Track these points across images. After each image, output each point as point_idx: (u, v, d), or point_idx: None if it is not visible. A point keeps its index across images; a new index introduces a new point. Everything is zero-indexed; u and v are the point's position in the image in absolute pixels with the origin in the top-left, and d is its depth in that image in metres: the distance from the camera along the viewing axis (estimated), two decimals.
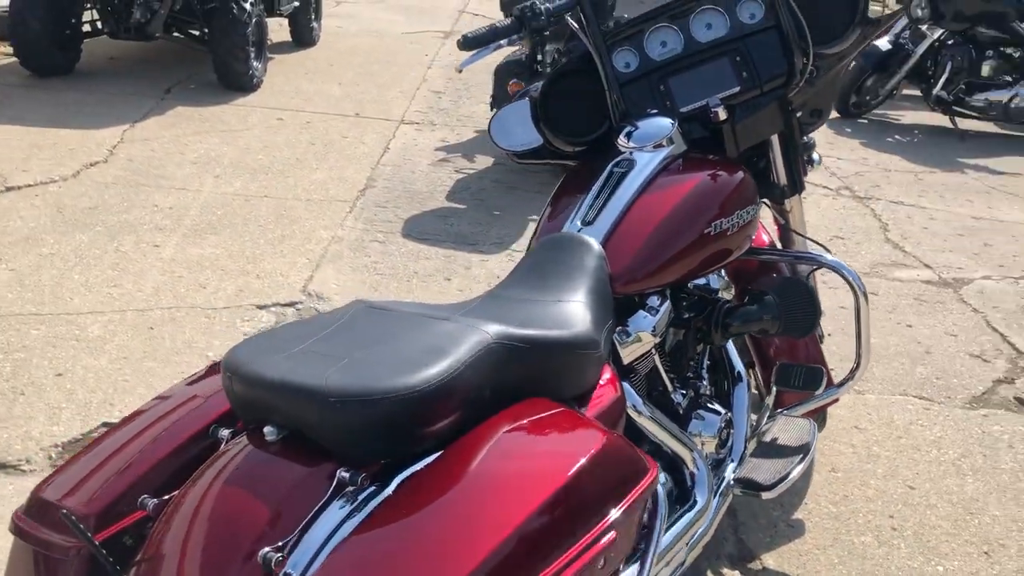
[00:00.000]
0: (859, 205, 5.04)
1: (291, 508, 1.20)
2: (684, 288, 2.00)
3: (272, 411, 1.27)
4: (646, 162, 1.93)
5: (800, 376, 2.13)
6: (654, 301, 1.87)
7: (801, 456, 2.08)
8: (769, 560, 2.23)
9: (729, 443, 2.03)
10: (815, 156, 2.38)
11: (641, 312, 1.84)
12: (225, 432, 1.37)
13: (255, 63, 6.18)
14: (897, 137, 6.65)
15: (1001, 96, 6.53)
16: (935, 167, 5.90)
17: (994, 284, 4.07)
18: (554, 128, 2.11)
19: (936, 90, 6.54)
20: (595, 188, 1.93)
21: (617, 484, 1.30)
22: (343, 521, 1.20)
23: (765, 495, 2.00)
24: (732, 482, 2.00)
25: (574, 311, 1.61)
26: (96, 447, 1.40)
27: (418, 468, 1.27)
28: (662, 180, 1.92)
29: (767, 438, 2.17)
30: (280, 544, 1.14)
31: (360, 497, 1.22)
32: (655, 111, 2.02)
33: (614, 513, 1.27)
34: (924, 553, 2.28)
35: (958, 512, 2.45)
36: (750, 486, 2.02)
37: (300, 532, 1.19)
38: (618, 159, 1.96)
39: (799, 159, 2.27)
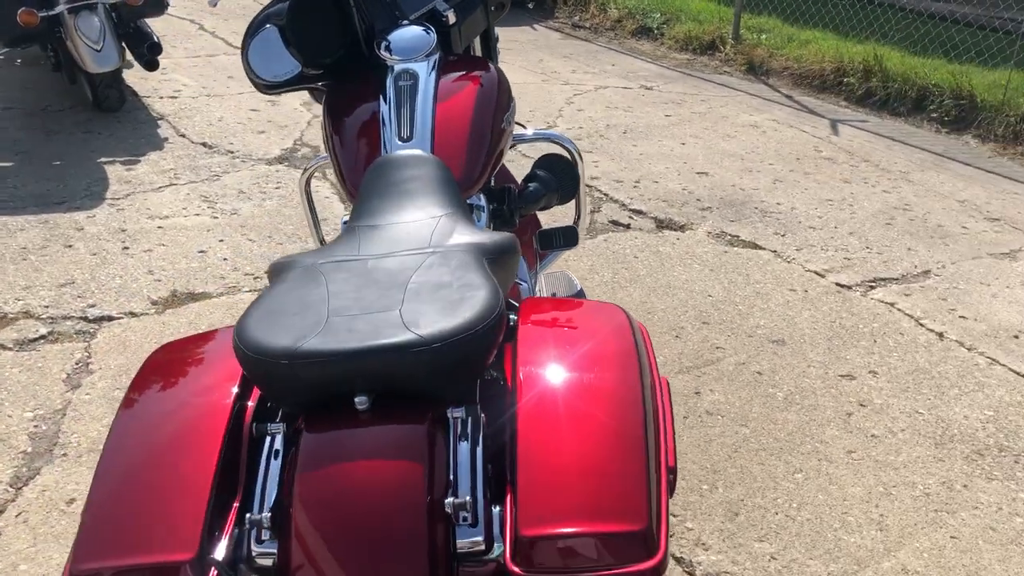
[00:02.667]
0: None
1: (428, 460, 1.22)
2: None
3: (356, 380, 1.23)
4: (426, 72, 2.05)
5: (560, 237, 2.50)
6: (476, 200, 2.07)
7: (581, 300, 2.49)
8: None
9: None
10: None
11: (473, 212, 2.03)
12: (276, 425, 1.29)
13: None
14: None
15: None
16: None
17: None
18: (304, 52, 2.11)
19: None
20: (391, 105, 2.00)
21: (641, 337, 1.55)
22: (473, 452, 1.27)
23: None
24: None
25: (469, 220, 1.74)
26: (111, 491, 1.21)
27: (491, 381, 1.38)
28: (446, 86, 2.06)
29: (545, 295, 2.54)
30: (449, 492, 1.20)
31: (470, 425, 1.29)
32: (406, 22, 2.14)
33: (653, 360, 1.52)
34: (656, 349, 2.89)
35: (641, 315, 3.11)
36: None
37: (452, 476, 1.25)
38: (397, 73, 2.05)
39: (494, 50, 2.56)
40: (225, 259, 3.31)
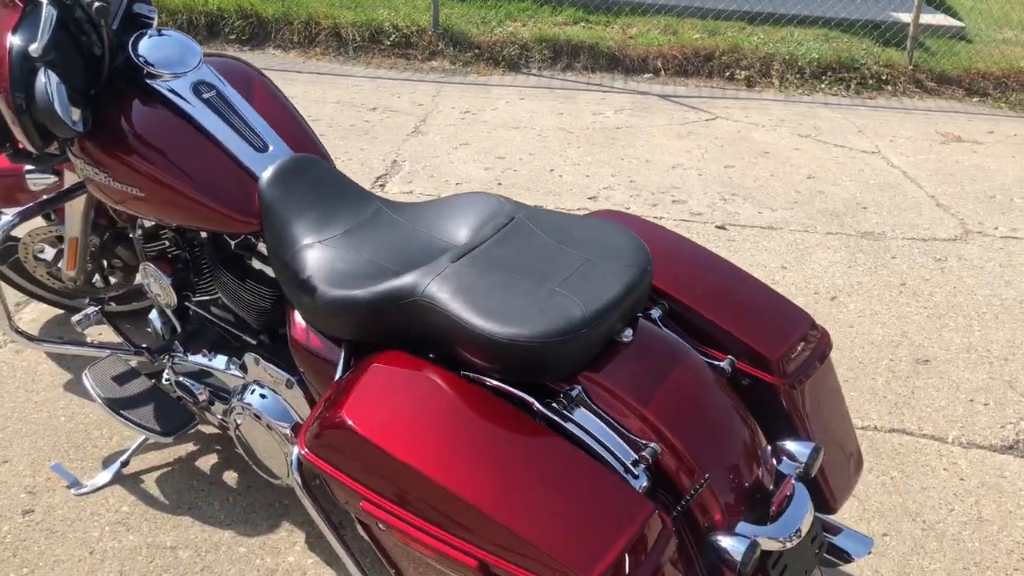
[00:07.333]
0: None
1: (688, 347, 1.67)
2: None
3: (619, 320, 1.48)
4: (215, 76, 2.02)
5: None
6: None
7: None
8: None
9: None
10: None
11: None
12: (575, 388, 1.44)
13: None
14: None
15: None
16: None
17: None
18: (91, 86, 1.95)
19: None
20: (211, 120, 1.94)
21: None
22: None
23: None
24: None
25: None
26: (534, 516, 1.25)
27: None
28: (238, 87, 2.05)
29: None
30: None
31: (660, 318, 1.71)
32: (146, 32, 2.02)
33: None
34: None
35: None
36: None
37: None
38: (195, 85, 1.99)
39: None
40: None
